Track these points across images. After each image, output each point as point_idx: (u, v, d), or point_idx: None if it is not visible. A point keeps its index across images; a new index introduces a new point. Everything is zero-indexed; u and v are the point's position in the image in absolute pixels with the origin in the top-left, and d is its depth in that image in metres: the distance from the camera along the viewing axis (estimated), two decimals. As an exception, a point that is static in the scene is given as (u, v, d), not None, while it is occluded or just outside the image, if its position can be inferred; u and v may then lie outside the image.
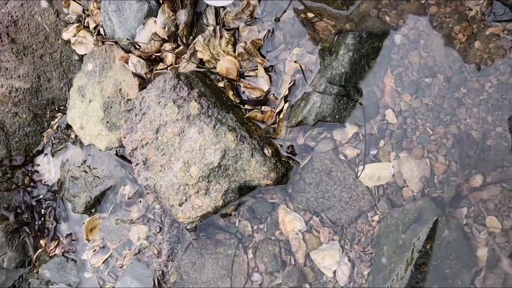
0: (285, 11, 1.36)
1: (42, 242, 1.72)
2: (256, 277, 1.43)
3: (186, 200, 1.36)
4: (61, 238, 1.68)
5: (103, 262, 1.62)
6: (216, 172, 1.31)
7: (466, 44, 1.14)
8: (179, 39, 1.46)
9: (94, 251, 1.62)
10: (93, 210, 1.64)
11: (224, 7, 1.40)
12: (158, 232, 1.57)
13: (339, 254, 1.32)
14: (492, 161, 1.14)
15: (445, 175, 1.19)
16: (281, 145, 1.37)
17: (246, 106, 1.39)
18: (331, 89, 1.25)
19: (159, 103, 1.34)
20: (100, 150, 1.54)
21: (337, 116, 1.28)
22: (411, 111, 1.23)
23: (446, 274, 1.17)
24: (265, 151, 1.32)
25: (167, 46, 1.46)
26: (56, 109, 1.72)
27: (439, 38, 1.18)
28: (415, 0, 1.23)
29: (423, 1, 1.22)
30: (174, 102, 1.32)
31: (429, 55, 1.20)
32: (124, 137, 1.39)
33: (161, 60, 1.49)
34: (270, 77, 1.39)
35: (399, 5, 1.24)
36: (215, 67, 1.41)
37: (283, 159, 1.36)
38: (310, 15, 1.34)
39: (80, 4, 1.61)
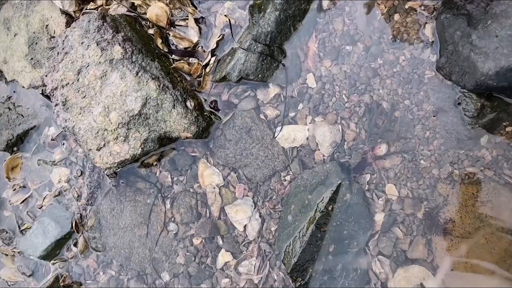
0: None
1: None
2: (172, 227, 1.53)
3: (104, 145, 1.42)
4: (-22, 174, 1.72)
5: (23, 201, 1.68)
6: (136, 120, 1.36)
7: (387, 16, 1.22)
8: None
9: (14, 190, 1.68)
10: (15, 149, 1.68)
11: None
12: (79, 176, 1.63)
13: (251, 210, 1.43)
14: (397, 132, 1.24)
15: (354, 142, 1.29)
16: (205, 100, 1.44)
17: (173, 56, 1.44)
18: (255, 47, 1.31)
19: (82, 43, 1.37)
20: (23, 87, 1.57)
21: (260, 75, 1.35)
22: (330, 77, 1.31)
23: (344, 235, 1.29)
24: (188, 103, 1.38)
25: (95, -16, 1.47)
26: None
27: (362, 7, 1.25)
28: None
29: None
30: (97, 44, 1.35)
31: (352, 23, 1.27)
32: (46, 76, 1.42)
33: (92, -1, 1.50)
34: (200, 29, 1.43)
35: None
36: (146, 13, 1.44)
37: (205, 114, 1.43)
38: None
39: None
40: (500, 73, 1.04)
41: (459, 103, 1.18)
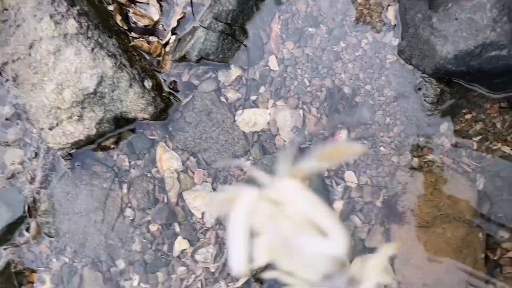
0: None
1: None
2: (128, 213, 1.48)
3: (57, 124, 1.36)
4: None
5: (-27, 183, 1.61)
6: (91, 98, 1.31)
7: (350, -4, 1.19)
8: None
9: (-37, 171, 1.61)
10: (-34, 128, 1.61)
11: None
12: (34, 158, 1.57)
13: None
14: (357, 118, 1.22)
15: (315, 127, 1.27)
16: (164, 80, 1.40)
17: (133, 34, 1.39)
18: (216, 25, 1.27)
19: (34, 16, 1.31)
20: (-26, 62, 1.50)
21: (220, 56, 1.31)
22: (293, 60, 1.28)
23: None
24: (146, 83, 1.34)
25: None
26: None
27: (326, -12, 1.22)
28: None
29: None
30: (51, 17, 1.30)
31: (315, 4, 1.25)
32: (-4, 50, 1.36)
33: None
34: (161, 6, 1.39)
35: None
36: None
37: (164, 94, 1.39)
38: None
39: None
40: (459, 57, 1.02)
41: (419, 89, 1.16)
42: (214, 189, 1.40)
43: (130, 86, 1.33)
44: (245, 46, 1.31)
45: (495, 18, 0.97)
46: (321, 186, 1.26)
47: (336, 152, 0.54)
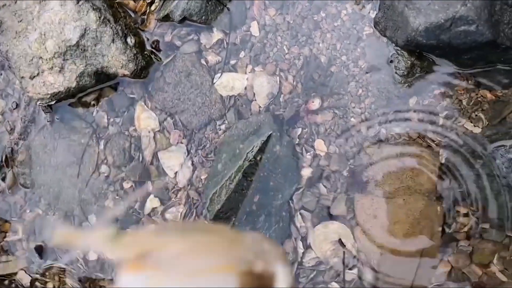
0: None
1: None
2: (104, 169, 1.52)
3: (38, 74, 1.39)
4: None
5: (-47, 130, 1.64)
6: (73, 51, 1.34)
7: (332, -34, 1.22)
8: None
9: None
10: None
11: None
12: (15, 109, 1.60)
13: (184, 157, 1.43)
14: (331, 87, 1.25)
15: (290, 95, 1.30)
16: (147, 39, 1.42)
17: (119, -9, 1.42)
18: (201, -13, 1.30)
19: (22, -36, 1.33)
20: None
21: (203, 17, 1.34)
22: (274, 26, 1.31)
23: (270, 186, 1.30)
24: (128, 40, 1.37)
25: None
26: None
27: (310, -45, 1.25)
28: None
29: None
30: (38, -34, 1.32)
31: (299, -29, 1.27)
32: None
33: None
34: (149, -35, 1.42)
35: None
36: None
37: (145, 53, 1.42)
38: None
39: None
40: (429, 29, 1.06)
41: (391, 61, 1.20)
42: (188, 151, 1.44)
43: (113, 41, 1.36)
44: (228, 9, 1.34)
45: (467, -7, 1.00)
46: (291, 153, 1.30)
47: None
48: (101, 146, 1.53)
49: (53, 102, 1.47)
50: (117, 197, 1.50)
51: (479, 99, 1.17)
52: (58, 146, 1.58)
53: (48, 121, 1.57)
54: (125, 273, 0.42)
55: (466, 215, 1.16)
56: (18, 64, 1.40)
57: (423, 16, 1.05)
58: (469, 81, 1.16)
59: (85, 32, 1.33)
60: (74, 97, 1.50)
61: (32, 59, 1.38)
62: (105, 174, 1.52)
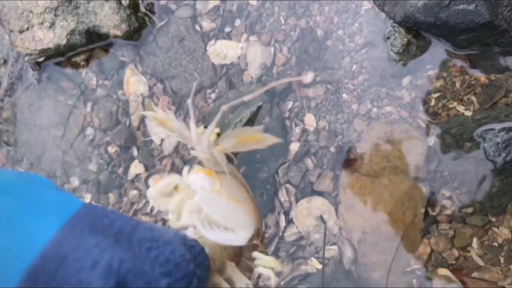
0: None
1: None
2: (89, 132, 1.50)
3: (27, 28, 1.37)
4: None
5: None
6: (65, 7, 1.32)
7: None
8: None
9: None
10: None
11: None
12: (2, 65, 1.58)
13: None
14: (325, 61, 1.25)
15: (283, 67, 1.30)
16: (142, 1, 1.40)
17: (116, -51, 1.39)
18: (200, -50, 1.28)
19: None
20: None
21: (200, -18, 1.32)
22: (272, -5, 1.30)
23: (256, 158, 1.30)
24: (122, 0, 1.35)
25: None
26: None
27: None
28: None
29: None
30: None
31: None
32: None
33: None
34: None
35: None
36: None
37: (139, 14, 1.40)
38: None
39: None
40: (428, 6, 1.05)
41: (388, 37, 1.19)
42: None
43: (106, 0, 1.34)
44: (227, -25, 1.32)
45: (468, -29, 1.00)
46: (281, 126, 1.30)
47: (251, 139, 0.67)
48: (88, 109, 1.52)
49: (41, 59, 1.45)
50: (101, 160, 1.49)
51: (472, 82, 1.18)
52: (44, 105, 1.57)
53: (35, 79, 1.55)
54: (202, 173, 0.61)
55: (450, 198, 1.17)
56: (8, 17, 1.38)
57: (422, -8, 1.04)
58: (464, 63, 1.16)
59: (78, -12, 1.31)
60: (63, 55, 1.48)
61: (22, 13, 1.36)
62: (90, 137, 1.51)
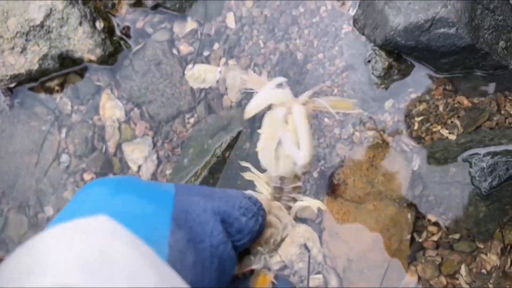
0: None
1: None
2: (64, 158, 1.44)
3: (-2, 53, 1.31)
4: None
5: None
6: (37, 31, 1.27)
7: (314, -39, 1.18)
8: None
9: None
10: None
11: None
12: (-28, 90, 1.51)
13: (149, 150, 1.36)
14: (306, 85, 1.21)
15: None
16: (118, 24, 1.35)
17: (91, -28, 1.35)
18: (176, -27, 1.24)
19: None
20: None
21: (177, 5, 1.28)
22: (251, 19, 1.26)
23: (237, 184, 1.25)
24: (97, 23, 1.30)
25: None
26: None
27: None
28: None
29: None
30: None
31: (279, -36, 1.23)
32: None
33: None
34: None
35: None
36: None
37: (115, 38, 1.35)
38: None
39: None
40: (409, 29, 1.02)
41: (369, 61, 1.16)
42: (154, 144, 1.37)
43: (80, 24, 1.29)
44: (204, -2, 1.28)
45: (448, -5, 0.97)
46: (262, 151, 1.24)
47: (341, 104, 0.88)
48: (63, 135, 1.45)
49: (13, 85, 1.38)
50: (76, 188, 1.42)
51: (455, 105, 1.14)
52: (17, 132, 1.50)
53: (7, 105, 1.49)
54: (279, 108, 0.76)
55: (436, 223, 1.13)
56: (-24, 42, 1.31)
57: (403, 16, 1.01)
58: (447, 87, 1.13)
59: (50, 12, 1.26)
60: (36, 81, 1.42)
61: (-8, 37, 1.30)
62: (66, 164, 1.44)
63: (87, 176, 1.42)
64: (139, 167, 1.40)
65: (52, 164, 1.49)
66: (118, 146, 1.43)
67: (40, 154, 1.53)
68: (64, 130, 1.49)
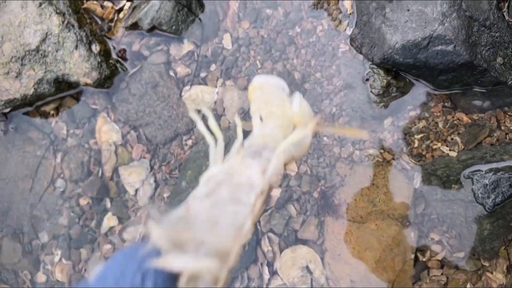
0: None
1: None
2: (59, 183, 1.40)
3: (-8, 78, 1.28)
4: None
5: None
6: (32, 56, 1.24)
7: (310, -18, 1.18)
8: None
9: None
10: None
11: None
12: (-34, 116, 1.47)
13: (146, 173, 1.32)
14: (304, 104, 1.18)
15: (261, 111, 1.22)
16: (114, 47, 1.34)
17: (87, -4, 1.33)
18: (172, -5, 1.23)
19: (-18, -39, 1.24)
20: None
21: (174, 27, 1.27)
22: (247, 40, 1.25)
23: (236, 207, 1.21)
24: (93, 47, 1.28)
25: None
26: None
27: (286, -30, 1.20)
28: None
29: None
30: (-1, -35, 1.23)
31: (275, -15, 1.22)
32: None
33: None
34: (120, -29, 1.34)
35: None
36: None
37: (111, 61, 1.33)
38: None
39: None
40: (406, 47, 1.01)
41: (367, 79, 1.14)
42: (151, 167, 1.34)
43: (76, 47, 1.27)
44: (200, 20, 1.27)
45: (445, 13, 0.96)
46: (261, 172, 1.21)
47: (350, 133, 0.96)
48: (58, 159, 1.41)
49: (7, 110, 1.35)
50: (72, 214, 1.38)
51: (455, 122, 1.13)
52: (11, 157, 1.45)
53: (1, 130, 1.45)
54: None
55: (439, 242, 1.09)
56: (-29, 67, 1.28)
57: (400, 34, 1.00)
58: (446, 103, 1.11)
59: (46, 37, 1.24)
60: (31, 105, 1.39)
61: (-14, 62, 1.27)
62: (61, 189, 1.40)
63: (83, 201, 1.37)
64: (136, 190, 1.36)
65: (47, 189, 1.44)
66: (115, 170, 1.39)
67: (35, 180, 1.49)
68: (59, 155, 1.45)
